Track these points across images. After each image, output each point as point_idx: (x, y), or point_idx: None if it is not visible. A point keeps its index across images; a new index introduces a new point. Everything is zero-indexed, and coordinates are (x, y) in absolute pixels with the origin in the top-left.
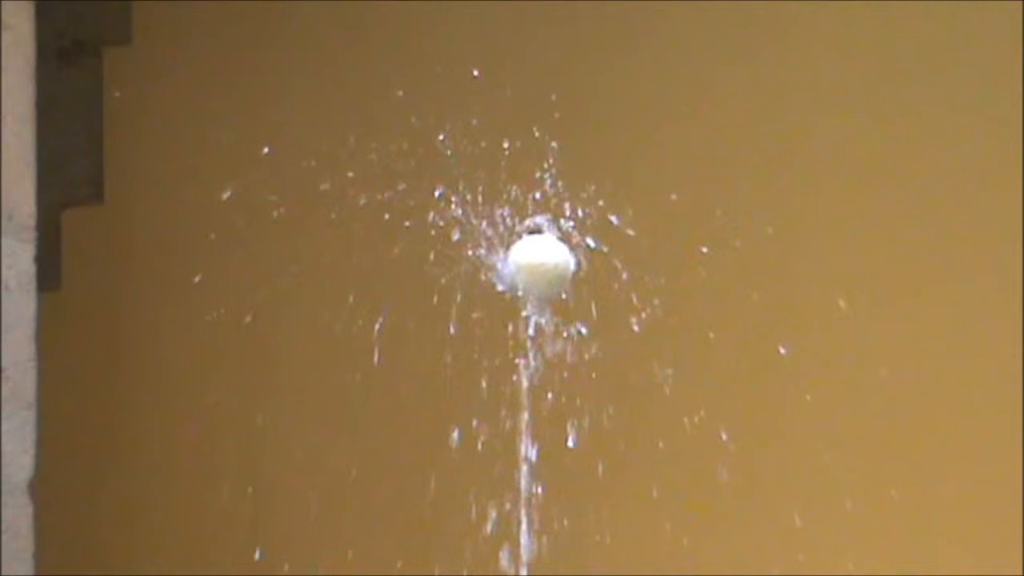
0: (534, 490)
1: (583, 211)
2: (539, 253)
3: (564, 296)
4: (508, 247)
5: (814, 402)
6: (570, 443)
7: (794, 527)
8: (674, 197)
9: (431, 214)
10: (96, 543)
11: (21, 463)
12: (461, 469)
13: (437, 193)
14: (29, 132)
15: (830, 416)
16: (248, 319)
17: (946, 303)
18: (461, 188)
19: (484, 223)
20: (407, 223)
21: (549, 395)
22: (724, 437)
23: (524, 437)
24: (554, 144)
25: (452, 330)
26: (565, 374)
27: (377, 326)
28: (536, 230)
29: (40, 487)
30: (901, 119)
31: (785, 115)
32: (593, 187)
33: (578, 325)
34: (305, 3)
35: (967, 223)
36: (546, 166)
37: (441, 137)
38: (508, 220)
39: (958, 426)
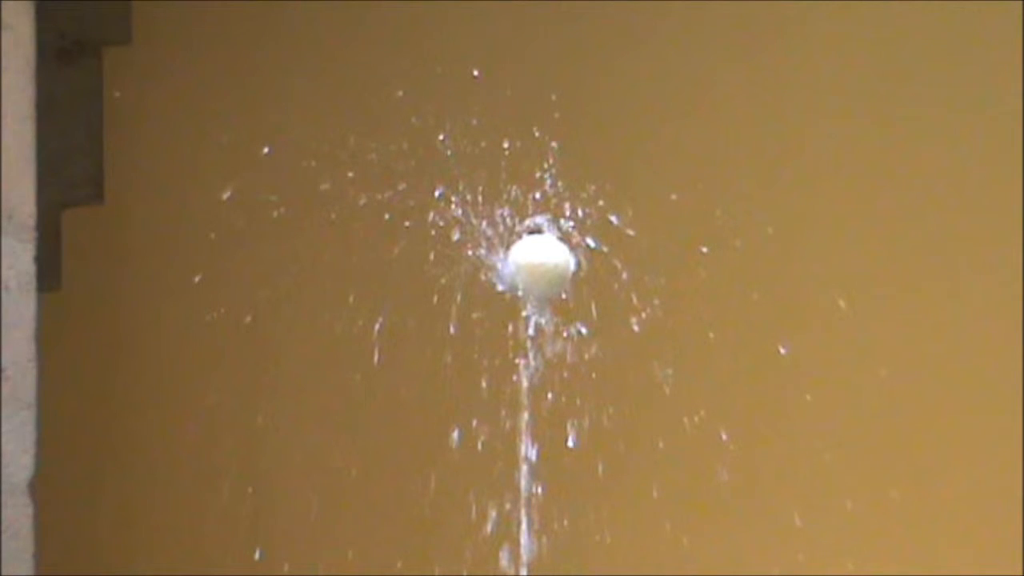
0: (534, 490)
1: (583, 211)
2: (539, 253)
3: (564, 296)
4: (508, 247)
5: (814, 402)
6: (570, 443)
7: (794, 527)
8: (674, 197)
9: (431, 214)
10: (96, 543)
11: (21, 463)
12: (461, 469)
13: (437, 193)
14: (29, 132)
15: (830, 416)
16: (248, 319)
17: (946, 303)
18: (461, 188)
19: (484, 223)
20: (407, 223)
21: (549, 395)
22: (724, 437)
23: (524, 437)
24: (554, 144)
25: (452, 330)
26: (565, 374)
27: (377, 326)
28: (536, 230)
29: (40, 487)
30: (901, 119)
31: (785, 115)
32: (593, 187)
33: (578, 325)
34: (305, 3)
35: (967, 223)
36: (546, 166)
37: (441, 137)
38: (508, 220)
39: (958, 426)
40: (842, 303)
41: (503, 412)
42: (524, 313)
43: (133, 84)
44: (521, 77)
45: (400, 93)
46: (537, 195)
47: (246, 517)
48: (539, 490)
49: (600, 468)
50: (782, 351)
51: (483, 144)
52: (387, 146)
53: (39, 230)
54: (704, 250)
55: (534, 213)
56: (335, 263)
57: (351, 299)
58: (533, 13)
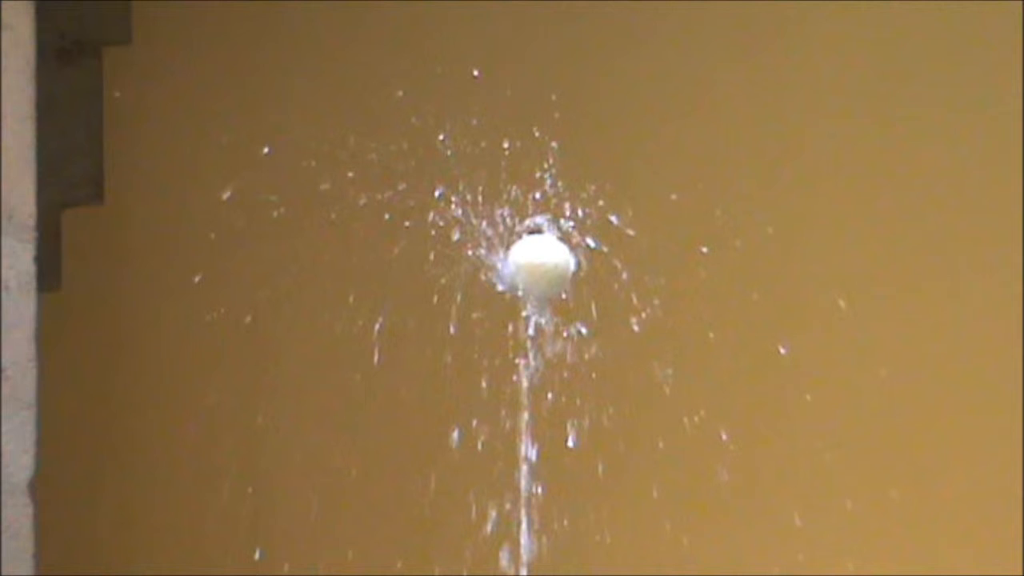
0: (534, 490)
1: (583, 211)
2: (539, 253)
3: (564, 296)
4: (508, 247)
5: (814, 402)
6: (570, 443)
7: (794, 527)
8: (674, 197)
9: (431, 214)
10: (96, 543)
11: (21, 463)
12: (461, 469)
13: (437, 193)
14: (29, 132)
15: (830, 416)
16: (248, 319)
17: (946, 303)
18: (461, 188)
19: (484, 223)
20: (407, 223)
21: (549, 395)
22: (724, 437)
23: (524, 437)
24: (554, 144)
25: (452, 330)
26: (565, 374)
27: (377, 326)
28: (536, 230)
29: (40, 487)
30: (901, 119)
31: (785, 115)
32: (593, 187)
33: (578, 325)
34: (305, 3)
35: (967, 223)
36: (546, 166)
37: (441, 137)
38: (508, 220)
39: (958, 426)
40: (842, 303)
41: (503, 412)
42: (524, 313)
43: (133, 84)
44: (521, 77)
45: (400, 93)
46: (537, 195)
47: (246, 517)
48: (539, 490)
49: (600, 468)
50: (782, 351)
51: (483, 144)
52: (387, 146)
53: (39, 230)
54: (704, 250)
55: (534, 213)
56: (335, 263)
57: (351, 299)
58: (533, 13)
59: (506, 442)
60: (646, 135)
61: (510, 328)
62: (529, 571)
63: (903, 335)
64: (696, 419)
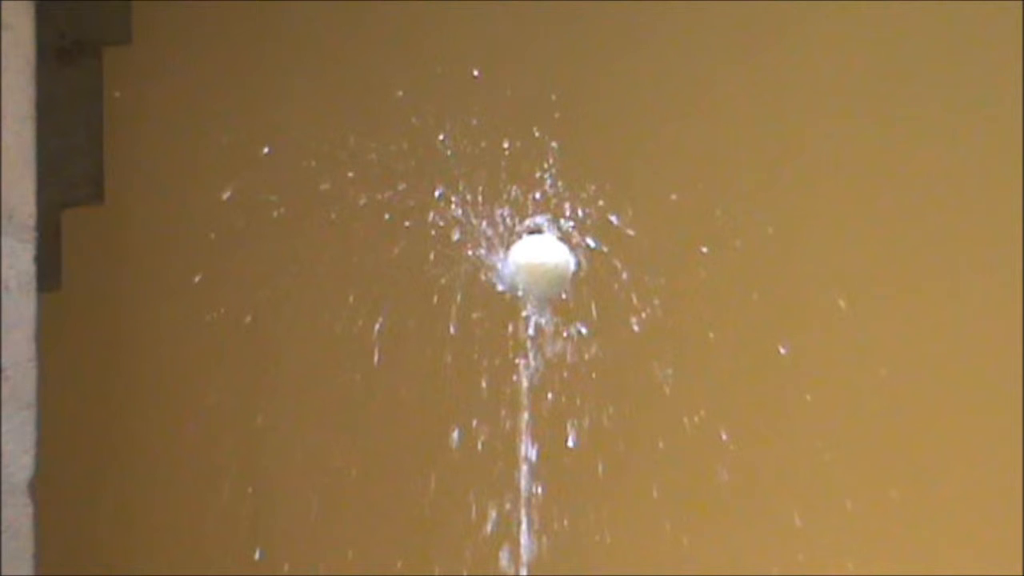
0: (534, 490)
1: (583, 211)
2: (539, 253)
3: (564, 296)
4: (508, 247)
5: (814, 402)
6: (570, 443)
7: (794, 527)
8: (674, 197)
9: (431, 214)
10: (96, 543)
11: (21, 463)
12: (461, 469)
13: (437, 193)
14: (29, 132)
15: (830, 416)
16: (248, 319)
17: (946, 303)
18: (461, 188)
19: (484, 223)
20: (407, 223)
21: (549, 395)
22: (724, 437)
23: (524, 437)
24: (554, 144)
25: (452, 330)
26: (565, 374)
27: (377, 326)
28: (536, 230)
29: (40, 487)
30: (901, 119)
31: (785, 115)
32: (593, 187)
33: (578, 325)
34: (305, 3)
35: (967, 223)
36: (546, 166)
37: (441, 137)
38: (508, 220)
39: (958, 426)
40: (842, 303)
41: (503, 412)
42: (524, 313)
43: (133, 84)
44: (521, 77)
45: (400, 93)
46: (537, 195)
47: (246, 517)
48: (539, 490)
49: (600, 468)
50: (782, 351)
51: (483, 144)
52: (387, 146)
53: (39, 230)
54: (704, 250)
55: (534, 213)
56: (335, 263)
57: (351, 299)
58: (533, 13)
59: (506, 442)
60: (646, 135)
61: (510, 328)
62: (529, 571)
63: (903, 335)
64: (696, 419)
